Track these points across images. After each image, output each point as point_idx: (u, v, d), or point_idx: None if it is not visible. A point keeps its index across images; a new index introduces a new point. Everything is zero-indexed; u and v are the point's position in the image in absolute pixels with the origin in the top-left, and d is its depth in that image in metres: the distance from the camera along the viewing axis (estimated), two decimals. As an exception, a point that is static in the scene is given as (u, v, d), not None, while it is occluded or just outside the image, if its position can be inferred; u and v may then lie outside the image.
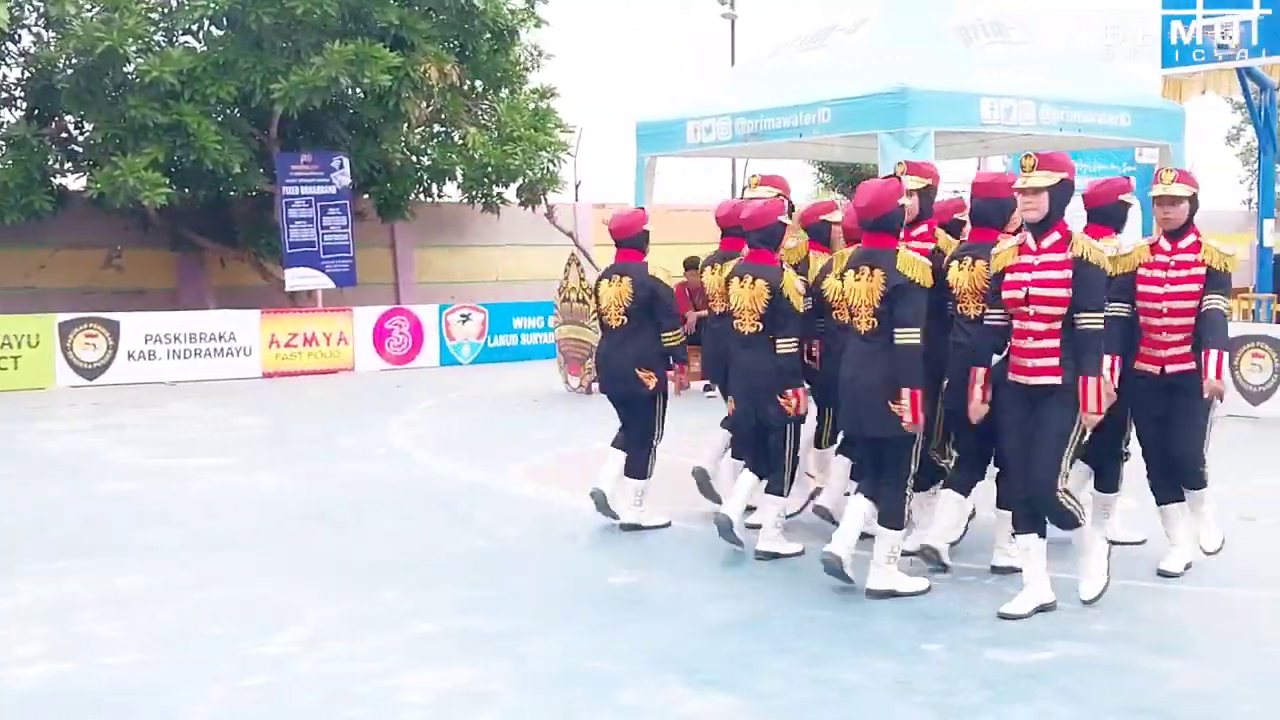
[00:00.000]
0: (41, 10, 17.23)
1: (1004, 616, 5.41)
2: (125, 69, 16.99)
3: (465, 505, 7.79)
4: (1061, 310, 5.31)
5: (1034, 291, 5.31)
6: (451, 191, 20.77)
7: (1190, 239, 5.91)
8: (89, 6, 16.90)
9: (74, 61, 16.93)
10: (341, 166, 17.99)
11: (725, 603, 5.69)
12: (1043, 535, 5.50)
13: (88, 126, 18.08)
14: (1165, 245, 5.96)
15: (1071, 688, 4.63)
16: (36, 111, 18.10)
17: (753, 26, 63.37)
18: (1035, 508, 5.44)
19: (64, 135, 18.27)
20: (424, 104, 18.46)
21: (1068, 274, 5.27)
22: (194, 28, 17.78)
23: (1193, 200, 5.92)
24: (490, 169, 18.93)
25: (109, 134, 16.99)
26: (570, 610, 5.56)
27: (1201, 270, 5.83)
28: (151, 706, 4.52)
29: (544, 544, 6.48)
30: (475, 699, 4.49)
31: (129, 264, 19.32)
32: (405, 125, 19.07)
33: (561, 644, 5.15)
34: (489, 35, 18.73)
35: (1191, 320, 5.85)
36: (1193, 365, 5.85)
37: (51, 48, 17.32)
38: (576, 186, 23.45)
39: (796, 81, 10.95)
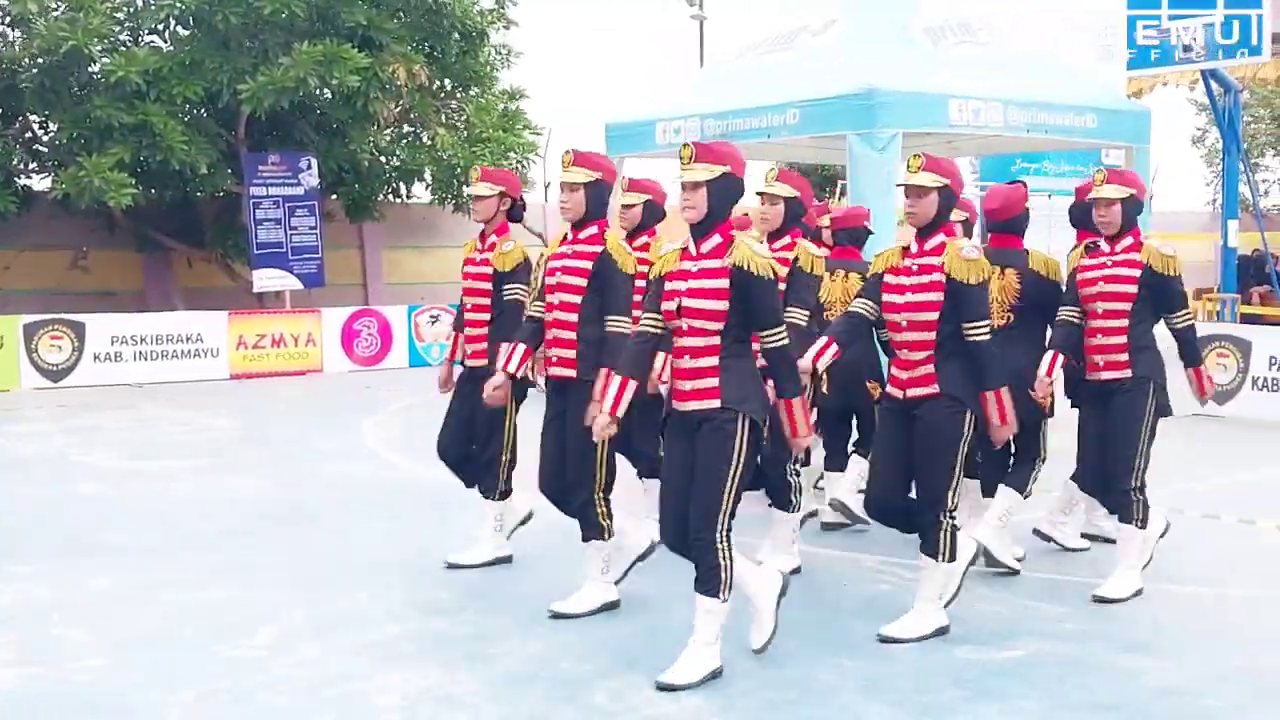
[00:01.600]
0: (4, 9, 17.06)
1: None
2: (90, 69, 16.85)
3: (440, 507, 7.76)
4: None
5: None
6: (420, 192, 20.72)
7: (1128, 240, 5.76)
8: (53, 6, 16.75)
9: (38, 61, 16.76)
10: (309, 167, 17.91)
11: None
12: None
13: (52, 127, 17.92)
14: (1104, 247, 5.84)
15: (1042, 685, 4.66)
16: (0, 112, 17.92)
17: (722, 28, 63.53)
18: (919, 526, 5.16)
19: (28, 135, 18.11)
20: (393, 105, 18.39)
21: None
22: (160, 27, 17.65)
23: (1128, 201, 5.73)
24: (459, 170, 18.89)
25: (74, 134, 16.84)
26: (540, 611, 5.55)
27: (1137, 272, 5.69)
28: (121, 710, 4.49)
29: (514, 546, 6.47)
30: (445, 701, 4.48)
31: (95, 265, 19.17)
32: (374, 126, 19.00)
33: (531, 645, 5.14)
34: (458, 36, 18.68)
35: (1125, 324, 5.70)
36: (1127, 372, 5.70)
37: (15, 47, 17.16)
38: (546, 187, 23.44)
39: (765, 83, 11.00)
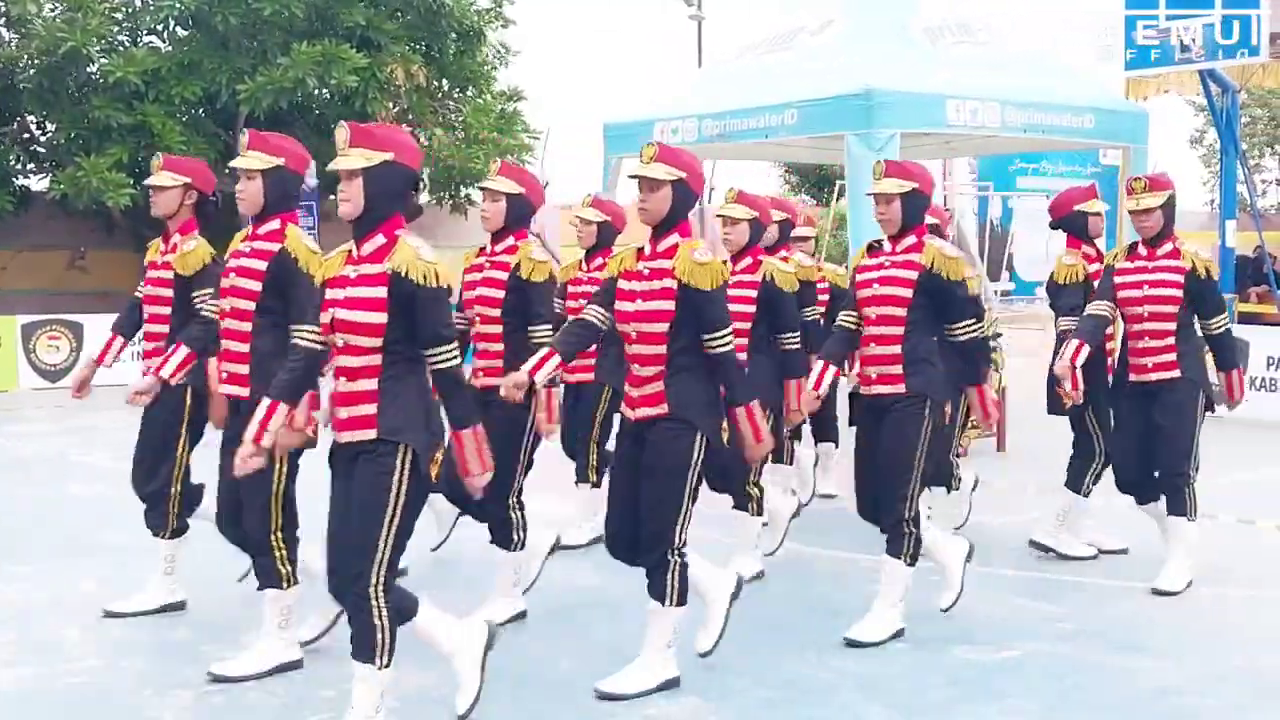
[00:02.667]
0: (2, 10, 17.05)
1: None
2: (89, 69, 16.84)
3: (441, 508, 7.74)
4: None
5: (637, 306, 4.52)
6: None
7: (1168, 246, 5.90)
8: (51, 6, 16.74)
9: (36, 61, 16.75)
10: (308, 168, 17.86)
11: (690, 603, 5.68)
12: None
13: (50, 127, 17.92)
14: (1143, 251, 5.96)
15: (1039, 686, 4.65)
16: (-2, 112, 17.92)
17: (720, 28, 63.45)
18: (644, 565, 4.59)
19: (26, 136, 18.09)
20: (390, 105, 18.37)
21: (672, 285, 4.44)
22: (159, 28, 17.65)
23: (1166, 206, 5.87)
24: (456, 171, 18.88)
25: (72, 134, 16.83)
26: (540, 612, 5.54)
27: (1181, 276, 5.84)
28: (114, 713, 4.48)
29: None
30: (441, 702, 4.46)
31: (93, 265, 19.14)
32: (372, 126, 18.97)
33: (527, 645, 5.13)
34: (455, 36, 18.68)
35: (1172, 326, 5.87)
36: (1176, 373, 5.89)
37: (13, 47, 17.14)
38: (544, 187, 23.43)
39: (763, 83, 10.98)
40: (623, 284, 4.59)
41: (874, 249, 5.28)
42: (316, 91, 17.44)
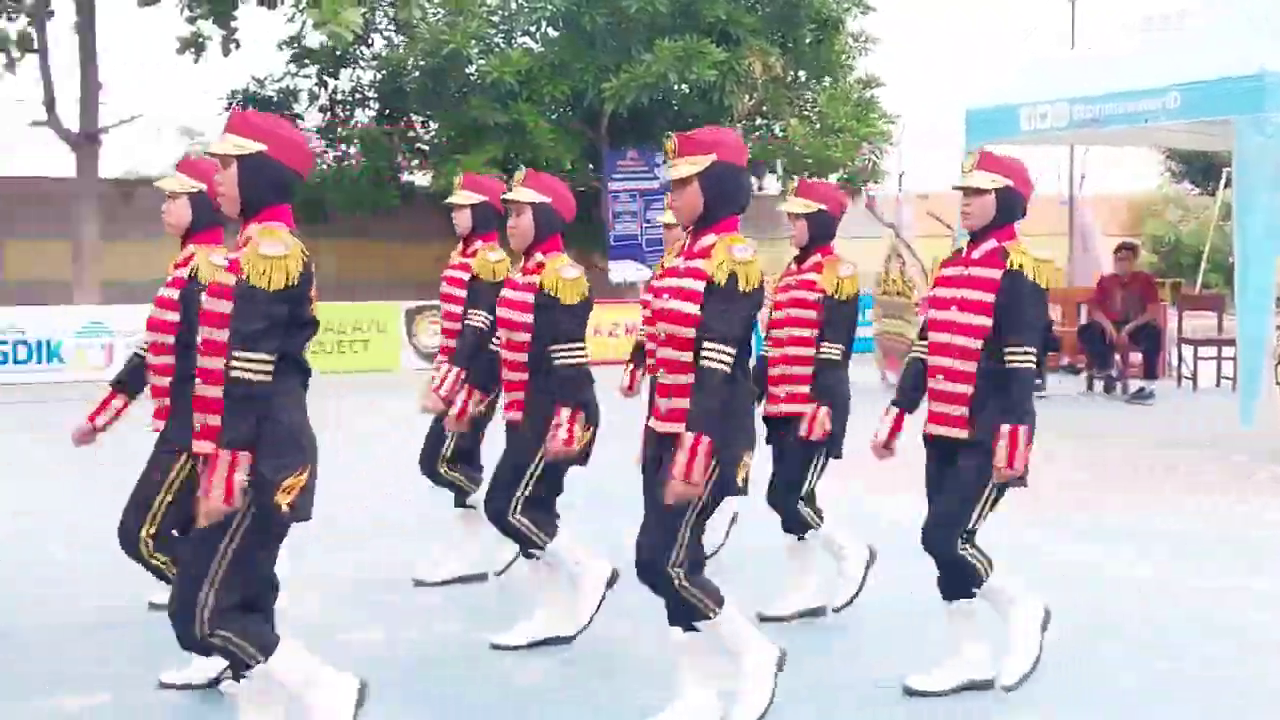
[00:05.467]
0: (391, 15, 18.39)
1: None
2: (468, 70, 17.91)
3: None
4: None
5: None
6: (770, 184, 20.80)
7: (990, 244, 4.34)
8: (434, 10, 17.90)
9: (421, 63, 17.98)
10: (665, 162, 18.32)
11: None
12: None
13: (433, 126, 19.17)
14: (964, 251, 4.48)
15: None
16: (387, 112, 19.34)
17: (1095, 8, 60.29)
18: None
19: (411, 134, 19.45)
20: (747, 97, 18.55)
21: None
22: (531, 29, 18.54)
23: (1000, 194, 4.33)
24: (810, 161, 18.84)
25: (452, 133, 17.93)
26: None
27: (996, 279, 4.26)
28: (477, 673, 4.65)
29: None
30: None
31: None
32: (728, 119, 19.26)
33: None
34: (813, 25, 18.62)
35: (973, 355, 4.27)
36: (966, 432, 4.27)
37: (400, 50, 18.47)
38: (900, 177, 23.00)
39: (1142, 64, 10.35)
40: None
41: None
42: (676, 86, 17.84)
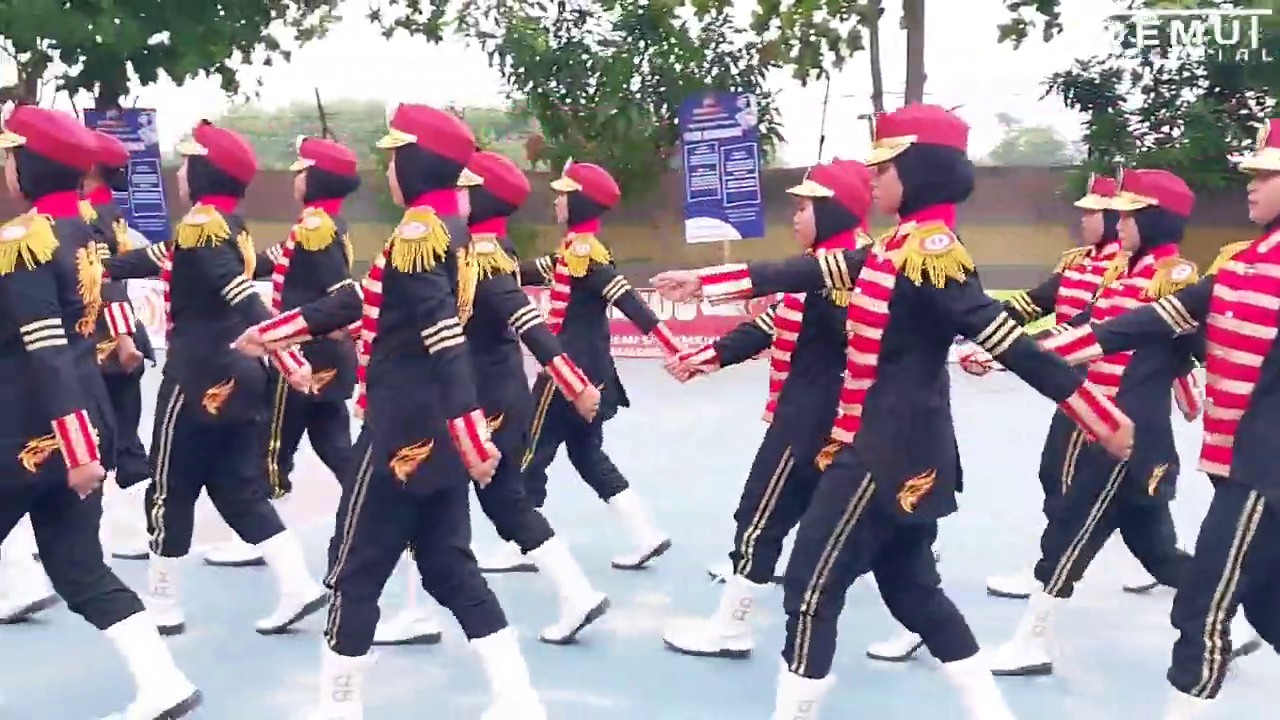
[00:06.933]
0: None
1: None
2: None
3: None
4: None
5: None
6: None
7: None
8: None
9: (1259, 36, 16.47)
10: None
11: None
12: None
13: (1269, 101, 17.40)
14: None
15: None
16: (1217, 89, 17.94)
17: None
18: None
19: (1243, 112, 17.82)
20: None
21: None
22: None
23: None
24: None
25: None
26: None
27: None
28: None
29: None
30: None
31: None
32: None
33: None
34: None
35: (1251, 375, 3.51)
36: None
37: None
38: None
39: None
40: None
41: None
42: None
